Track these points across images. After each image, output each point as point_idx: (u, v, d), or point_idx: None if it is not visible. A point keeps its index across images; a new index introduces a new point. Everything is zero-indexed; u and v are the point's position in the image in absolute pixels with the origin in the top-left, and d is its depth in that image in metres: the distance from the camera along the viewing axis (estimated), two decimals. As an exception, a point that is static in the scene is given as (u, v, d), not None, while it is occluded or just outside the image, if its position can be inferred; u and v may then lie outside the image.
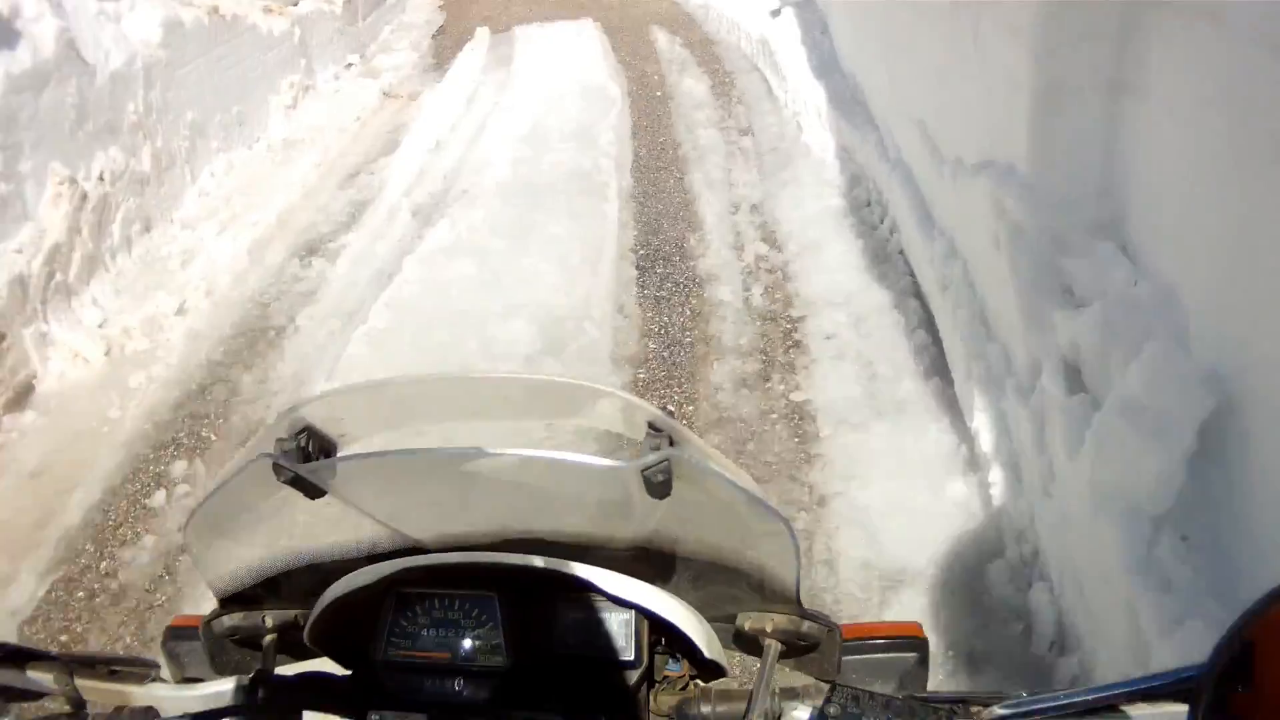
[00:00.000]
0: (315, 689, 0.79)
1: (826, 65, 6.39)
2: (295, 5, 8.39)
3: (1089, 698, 0.61)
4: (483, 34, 10.27)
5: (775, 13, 7.71)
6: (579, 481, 0.74)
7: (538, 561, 0.75)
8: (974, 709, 0.64)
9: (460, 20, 11.45)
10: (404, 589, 0.77)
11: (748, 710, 0.71)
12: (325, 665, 0.84)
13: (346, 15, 9.70)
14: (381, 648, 0.75)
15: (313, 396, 0.76)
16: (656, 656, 0.81)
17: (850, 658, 0.78)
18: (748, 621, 0.78)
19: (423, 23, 11.71)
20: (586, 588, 0.75)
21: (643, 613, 0.76)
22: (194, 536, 0.80)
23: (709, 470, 0.68)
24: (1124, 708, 0.61)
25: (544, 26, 10.35)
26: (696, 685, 0.81)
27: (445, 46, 10.18)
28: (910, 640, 0.80)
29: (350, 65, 9.34)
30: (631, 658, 0.75)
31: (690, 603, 0.79)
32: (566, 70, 8.42)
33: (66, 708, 0.77)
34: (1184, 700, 0.54)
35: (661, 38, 9.61)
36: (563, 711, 0.73)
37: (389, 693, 0.75)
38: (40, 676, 0.78)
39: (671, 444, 0.68)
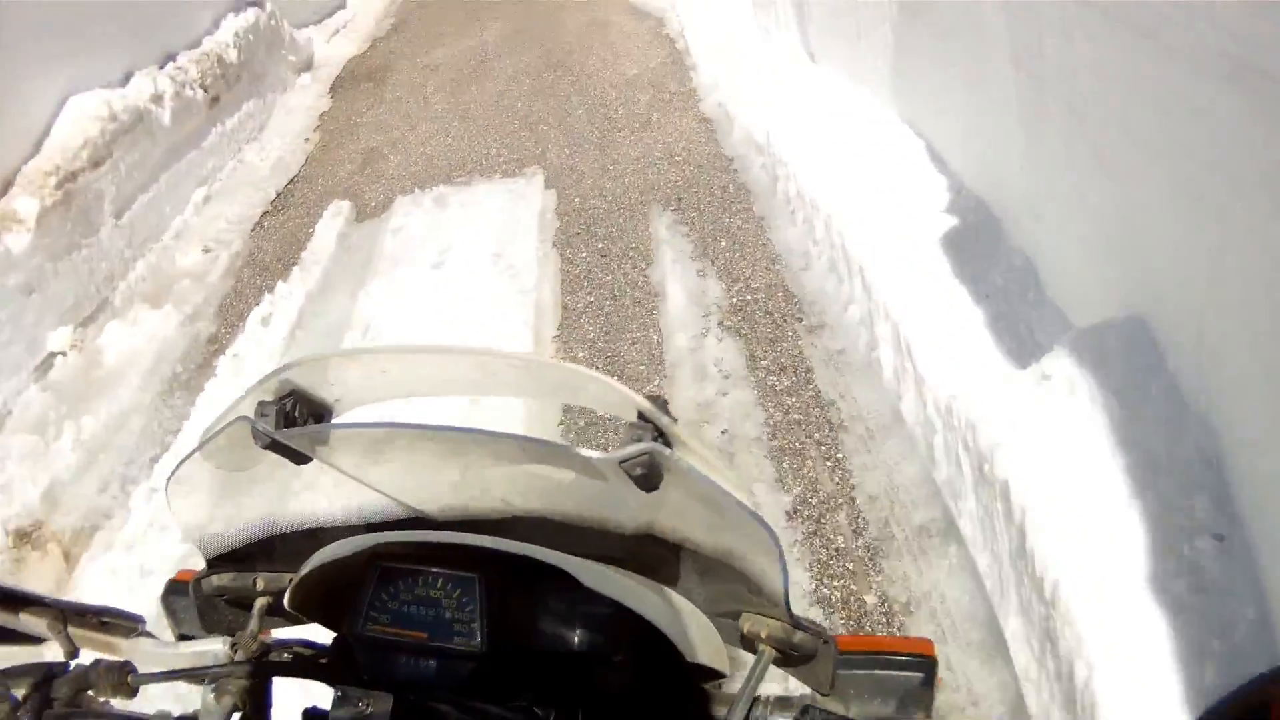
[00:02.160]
0: (293, 657, 0.79)
1: None
2: None
3: None
4: (328, 232, 5.06)
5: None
6: (565, 468, 0.71)
7: (522, 548, 0.72)
8: None
9: (325, 171, 6.24)
10: (387, 563, 0.75)
11: (727, 714, 0.70)
12: (316, 631, 0.82)
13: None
14: (359, 621, 0.74)
15: (299, 360, 0.72)
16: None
17: (851, 672, 0.73)
18: (748, 623, 0.74)
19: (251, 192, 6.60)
20: (569, 578, 0.70)
21: (626, 608, 0.71)
22: (175, 495, 0.79)
23: (692, 472, 0.65)
24: None
25: (451, 199, 5.09)
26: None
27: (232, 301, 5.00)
28: (917, 659, 0.74)
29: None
30: (608, 654, 0.73)
31: (696, 597, 0.76)
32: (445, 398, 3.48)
33: (59, 655, 0.77)
34: None
35: (678, 256, 4.13)
36: (533, 703, 0.71)
37: (362, 667, 0.74)
38: (34, 621, 0.79)
39: (661, 435, 0.65)
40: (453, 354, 0.75)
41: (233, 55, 7.17)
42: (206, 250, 5.50)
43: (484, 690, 0.71)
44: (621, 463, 0.64)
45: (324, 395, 0.74)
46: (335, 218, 5.20)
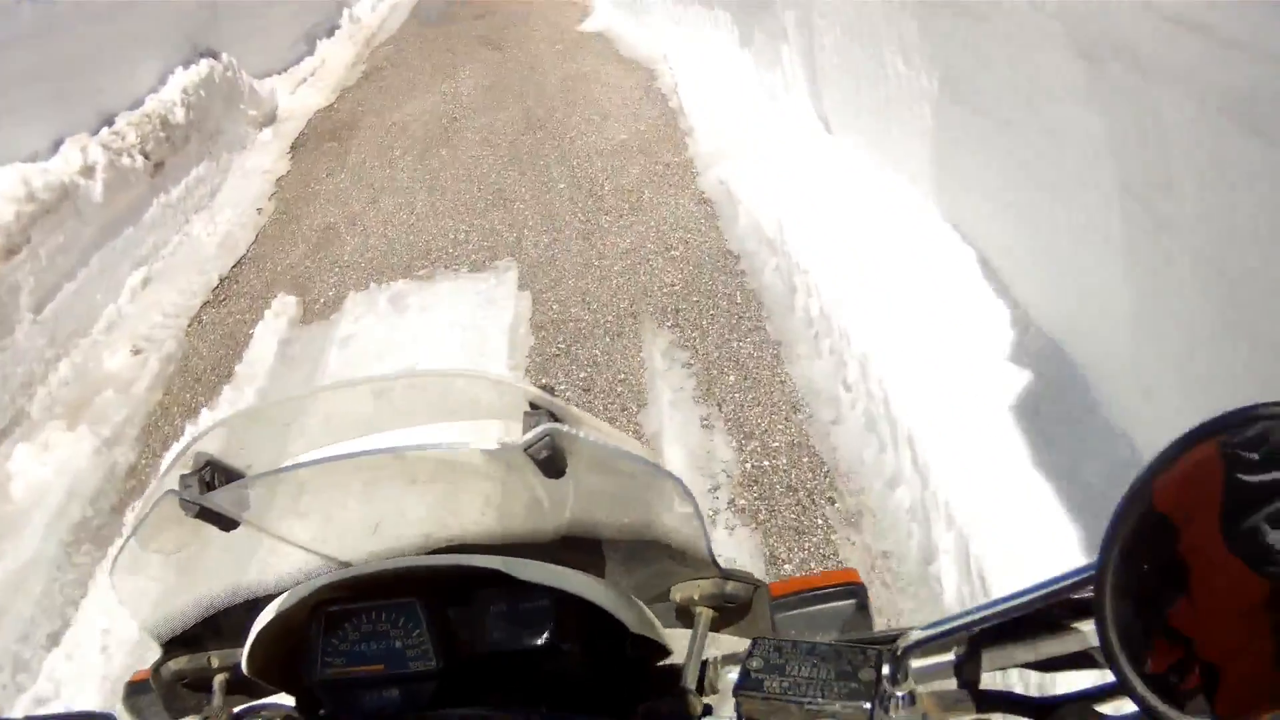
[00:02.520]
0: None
1: None
2: None
3: (999, 609, 0.57)
4: (268, 336, 4.38)
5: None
6: (473, 471, 0.73)
7: (447, 559, 0.74)
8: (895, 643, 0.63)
9: (275, 252, 5.57)
10: (329, 608, 0.76)
11: (680, 679, 0.71)
12: (281, 699, 0.83)
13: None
14: (316, 669, 0.75)
15: (206, 428, 0.75)
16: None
17: (788, 613, 0.77)
18: (679, 593, 0.78)
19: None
20: (505, 581, 0.72)
21: (565, 599, 0.73)
22: (120, 584, 0.80)
23: (592, 441, 0.67)
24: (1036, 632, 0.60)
25: (410, 300, 4.41)
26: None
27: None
28: (847, 587, 0.79)
29: None
30: (556, 643, 0.73)
31: (626, 586, 0.78)
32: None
33: None
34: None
35: (678, 396, 3.36)
36: (499, 705, 0.74)
37: (330, 712, 0.77)
38: None
39: (554, 419, 0.67)
40: (340, 388, 0.80)
41: (180, 114, 6.51)
42: (136, 352, 4.79)
43: (449, 704, 0.72)
44: (526, 449, 0.66)
45: (237, 460, 0.75)
46: (279, 318, 4.52)
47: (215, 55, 7.51)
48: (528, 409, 0.69)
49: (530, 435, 0.66)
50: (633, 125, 6.33)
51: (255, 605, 0.79)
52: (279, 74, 9.02)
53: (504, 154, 6.23)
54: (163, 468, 0.75)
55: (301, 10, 10.40)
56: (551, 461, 0.67)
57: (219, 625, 0.83)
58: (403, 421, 0.79)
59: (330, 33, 10.99)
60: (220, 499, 0.73)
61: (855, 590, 0.79)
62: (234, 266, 5.41)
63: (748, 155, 5.02)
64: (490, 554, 0.74)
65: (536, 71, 8.15)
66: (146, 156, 6.02)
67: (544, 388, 0.70)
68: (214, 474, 0.74)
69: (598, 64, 8.08)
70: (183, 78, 6.81)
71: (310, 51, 10.07)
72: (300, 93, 8.83)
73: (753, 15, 5.68)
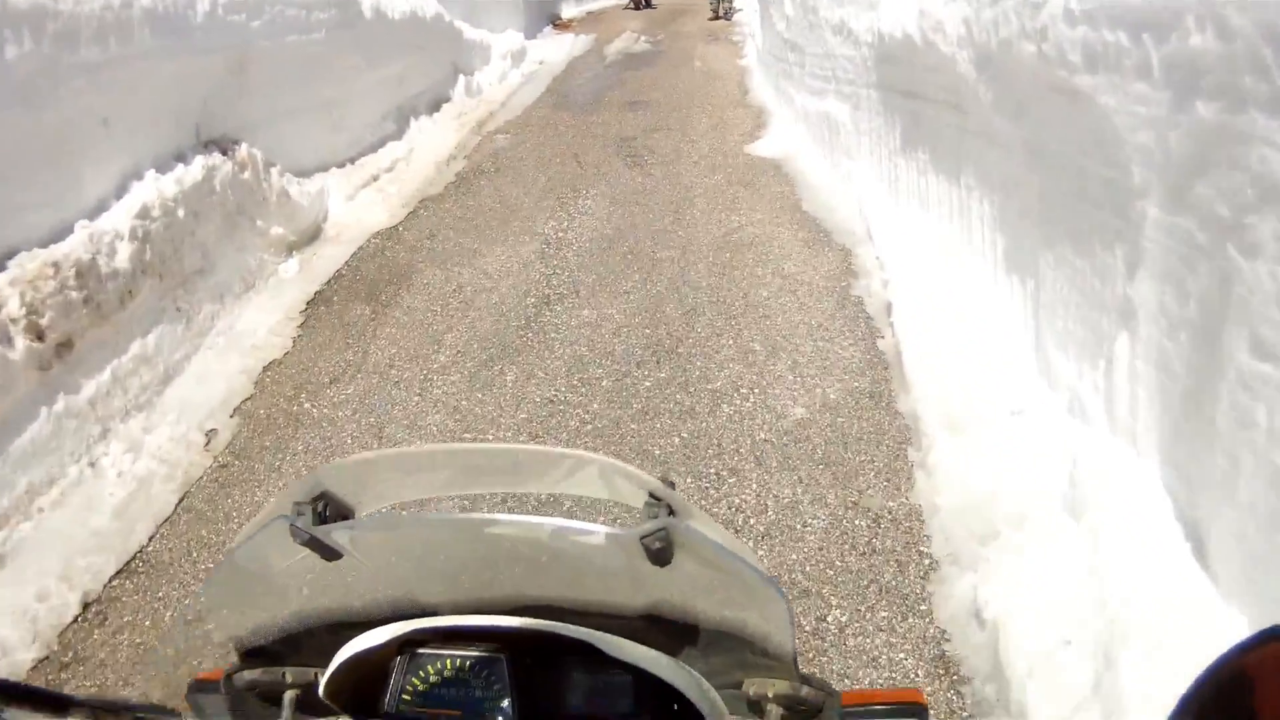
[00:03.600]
0: None
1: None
2: None
3: None
4: None
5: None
6: (583, 548, 0.74)
7: (544, 625, 0.77)
8: None
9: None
10: (416, 649, 0.80)
11: None
12: None
13: None
14: (393, 703, 0.78)
15: (331, 464, 0.77)
16: None
17: None
18: (752, 687, 0.79)
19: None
20: (589, 651, 0.76)
21: (643, 676, 0.76)
22: (212, 593, 0.83)
23: (706, 539, 0.69)
24: None
25: None
26: None
27: None
28: (910, 706, 0.80)
29: None
30: (629, 718, 0.76)
31: (699, 670, 0.79)
32: None
33: None
34: None
35: None
36: None
37: None
38: None
39: (671, 513, 0.69)
40: (469, 450, 0.82)
41: (123, 255, 4.22)
42: None
43: None
44: (642, 538, 0.68)
45: (350, 497, 0.77)
46: None
47: (229, 146, 5.27)
48: (649, 499, 0.70)
49: (649, 526, 0.68)
50: (818, 387, 3.72)
51: (337, 630, 0.82)
52: (341, 167, 6.78)
53: (602, 398, 3.70)
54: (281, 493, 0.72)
55: (405, 75, 8.22)
56: (661, 552, 0.68)
57: (298, 644, 0.84)
58: (516, 486, 0.81)
59: (435, 107, 8.80)
60: (331, 533, 0.74)
61: (918, 710, 0.80)
62: (116, 575, 3.04)
63: (1029, 534, 2.39)
64: (577, 619, 0.76)
65: (682, 221, 5.66)
66: (39, 335, 3.73)
67: (665, 481, 0.70)
68: (326, 506, 0.75)
69: (770, 224, 5.55)
70: (150, 188, 4.54)
71: (399, 134, 7.85)
72: (362, 199, 6.56)
73: (1052, 245, 3.00)
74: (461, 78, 9.58)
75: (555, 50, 13.45)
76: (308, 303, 4.99)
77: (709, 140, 7.61)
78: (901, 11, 4.60)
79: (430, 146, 7.80)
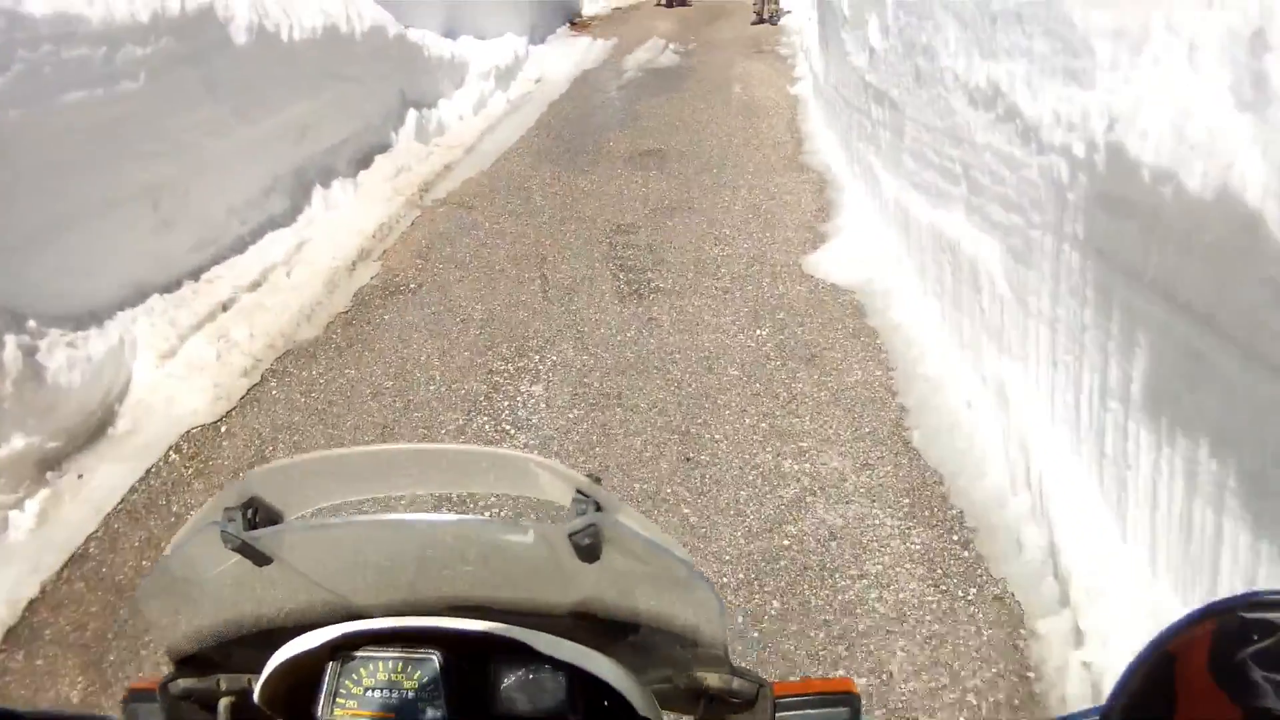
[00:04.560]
0: None
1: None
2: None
3: None
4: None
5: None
6: (513, 546, 0.75)
7: (474, 625, 0.78)
8: None
9: None
10: (348, 652, 0.79)
11: None
12: None
13: None
14: (327, 709, 0.76)
15: (259, 469, 0.78)
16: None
17: (784, 714, 0.80)
18: (684, 681, 0.80)
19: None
20: (522, 649, 0.77)
21: (576, 673, 0.77)
22: (146, 600, 0.83)
23: (634, 534, 0.70)
24: None
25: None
26: None
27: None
28: (842, 696, 0.82)
29: None
30: (565, 715, 0.76)
31: (628, 664, 0.80)
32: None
33: None
34: None
35: None
36: None
37: None
38: None
39: (599, 509, 0.70)
40: (396, 450, 0.82)
41: None
42: None
43: None
44: (570, 535, 0.69)
45: (280, 502, 0.77)
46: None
47: None
48: (576, 495, 0.71)
49: (577, 522, 0.68)
50: None
51: (270, 636, 0.82)
52: (169, 292, 4.29)
53: None
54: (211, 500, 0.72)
55: (313, 121, 5.72)
56: (590, 548, 0.69)
57: (232, 651, 0.84)
58: (445, 485, 0.85)
59: (363, 163, 6.26)
60: (262, 538, 0.75)
61: (850, 699, 0.81)
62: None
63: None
64: (509, 617, 0.77)
65: (696, 473, 3.05)
66: None
67: (593, 478, 0.71)
68: (256, 512, 0.75)
69: (854, 486, 2.94)
70: None
71: (291, 215, 5.32)
72: (188, 355, 4.04)
73: None
74: (412, 114, 7.00)
75: (563, 60, 10.83)
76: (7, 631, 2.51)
77: (750, 239, 4.97)
78: (1181, 111, 1.96)
79: (335, 235, 5.24)
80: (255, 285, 4.68)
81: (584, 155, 6.81)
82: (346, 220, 5.48)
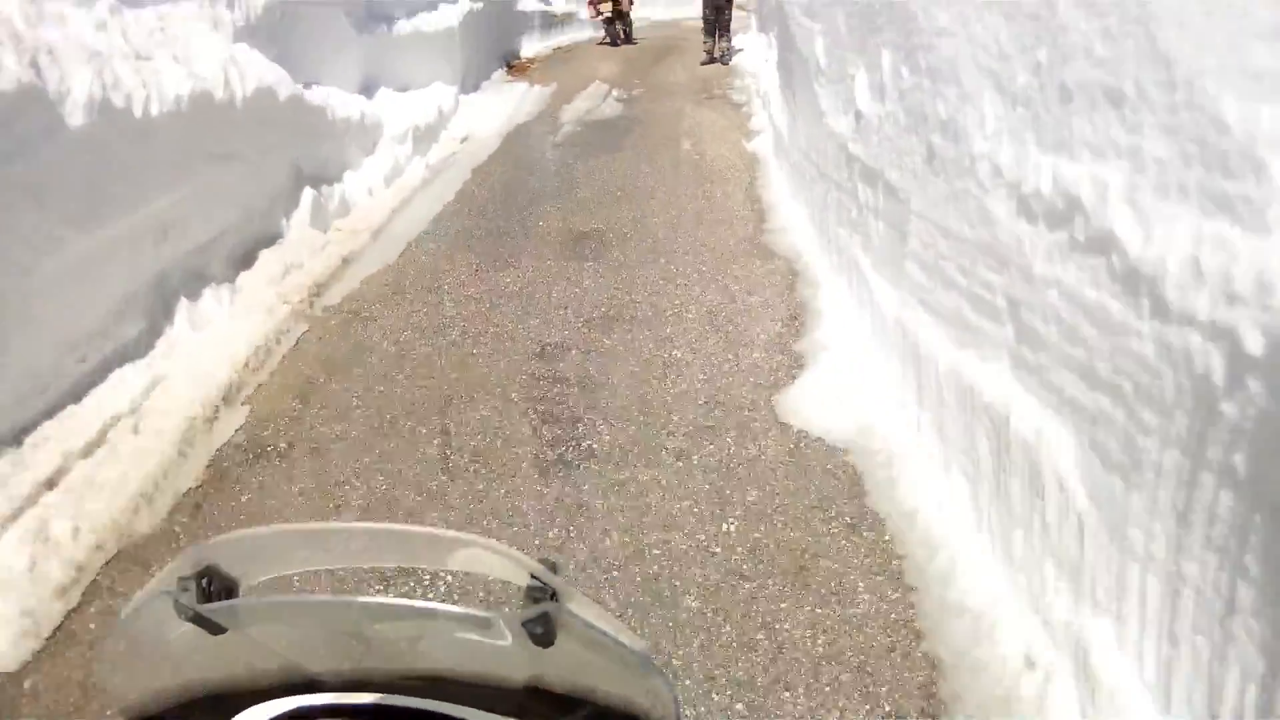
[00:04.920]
0: None
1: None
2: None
3: None
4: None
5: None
6: (466, 629, 0.77)
7: (425, 704, 0.79)
8: None
9: None
10: None
11: None
12: None
13: None
14: None
15: (216, 539, 0.78)
16: None
17: None
18: None
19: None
20: None
21: None
22: (104, 662, 0.87)
23: (587, 624, 0.72)
24: None
25: None
26: None
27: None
28: None
29: None
30: None
31: None
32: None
33: None
34: None
35: None
36: None
37: None
38: None
39: (554, 597, 0.71)
40: (355, 530, 0.84)
41: None
42: None
43: None
44: (524, 623, 0.70)
45: (235, 570, 0.78)
46: None
47: None
48: (531, 580, 0.72)
49: (531, 611, 0.70)
50: None
51: (226, 702, 0.83)
52: None
53: None
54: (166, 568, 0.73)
55: (179, 217, 4.72)
56: (544, 635, 0.71)
57: (188, 716, 0.84)
58: (403, 563, 0.81)
59: (244, 261, 5.24)
60: (215, 610, 0.75)
61: None
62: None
63: None
64: (463, 692, 0.79)
65: None
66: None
67: (547, 563, 0.73)
68: (210, 581, 0.76)
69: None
70: None
71: (147, 342, 4.30)
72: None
73: None
74: (309, 194, 5.98)
75: (494, 113, 9.87)
76: None
77: (709, 366, 4.02)
78: None
79: (200, 365, 4.21)
80: (92, 448, 3.63)
81: (509, 239, 5.84)
82: (216, 343, 4.45)
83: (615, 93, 10.66)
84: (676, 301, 4.73)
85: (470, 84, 11.34)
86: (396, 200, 6.79)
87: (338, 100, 7.00)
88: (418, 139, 7.93)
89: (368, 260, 5.61)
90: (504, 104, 10.36)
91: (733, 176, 6.98)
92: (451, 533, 0.78)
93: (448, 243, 5.84)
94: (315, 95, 6.61)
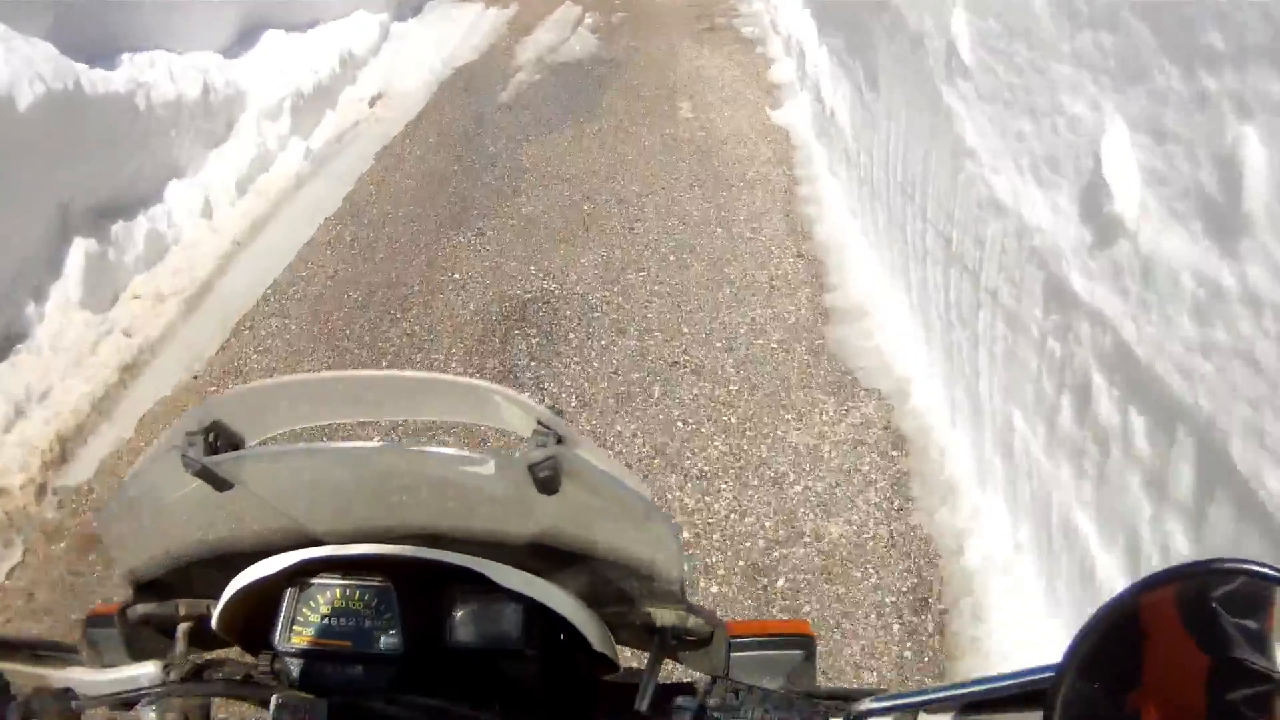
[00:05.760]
0: (224, 675, 0.81)
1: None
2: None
3: (957, 693, 0.62)
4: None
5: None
6: (472, 477, 0.75)
7: (431, 553, 0.77)
8: (849, 704, 0.65)
9: None
10: (305, 579, 0.79)
11: (636, 700, 0.73)
12: (237, 654, 0.85)
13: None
14: (285, 636, 0.78)
15: (221, 394, 0.76)
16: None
17: (740, 654, 0.80)
18: (640, 617, 0.80)
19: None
20: (479, 580, 0.76)
21: (533, 605, 0.77)
22: (106, 526, 0.83)
23: (593, 467, 0.70)
24: (993, 714, 0.62)
25: None
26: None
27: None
28: (798, 638, 0.81)
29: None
30: (520, 648, 0.77)
31: (584, 597, 0.80)
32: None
33: None
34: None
35: None
36: (456, 698, 0.74)
37: (293, 679, 0.78)
38: None
39: (560, 442, 0.69)
40: (359, 377, 0.80)
41: None
42: None
43: (408, 689, 0.74)
44: (530, 466, 0.68)
45: (241, 426, 0.76)
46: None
47: None
48: (536, 426, 0.69)
49: (537, 454, 0.67)
50: None
51: (229, 561, 0.81)
52: None
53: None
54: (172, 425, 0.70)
55: None
56: (549, 481, 0.69)
57: (191, 576, 0.84)
58: (407, 413, 0.83)
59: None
60: (223, 463, 0.74)
61: (805, 641, 0.81)
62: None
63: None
64: (467, 547, 0.76)
65: None
66: None
67: (554, 410, 0.70)
68: (217, 437, 0.74)
69: None
70: None
71: None
72: None
73: None
74: (82, 248, 3.69)
75: (429, 51, 7.42)
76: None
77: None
78: None
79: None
80: None
81: (399, 312, 3.58)
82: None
83: (589, 19, 8.14)
84: (689, 506, 2.51)
85: (411, 7, 8.82)
86: (247, 221, 4.50)
87: (162, 73, 4.62)
88: (299, 109, 5.54)
89: (165, 363, 3.39)
90: (446, 37, 7.90)
91: (759, 179, 4.65)
92: (459, 378, 0.73)
93: (304, 320, 3.60)
94: (117, 77, 4.25)
